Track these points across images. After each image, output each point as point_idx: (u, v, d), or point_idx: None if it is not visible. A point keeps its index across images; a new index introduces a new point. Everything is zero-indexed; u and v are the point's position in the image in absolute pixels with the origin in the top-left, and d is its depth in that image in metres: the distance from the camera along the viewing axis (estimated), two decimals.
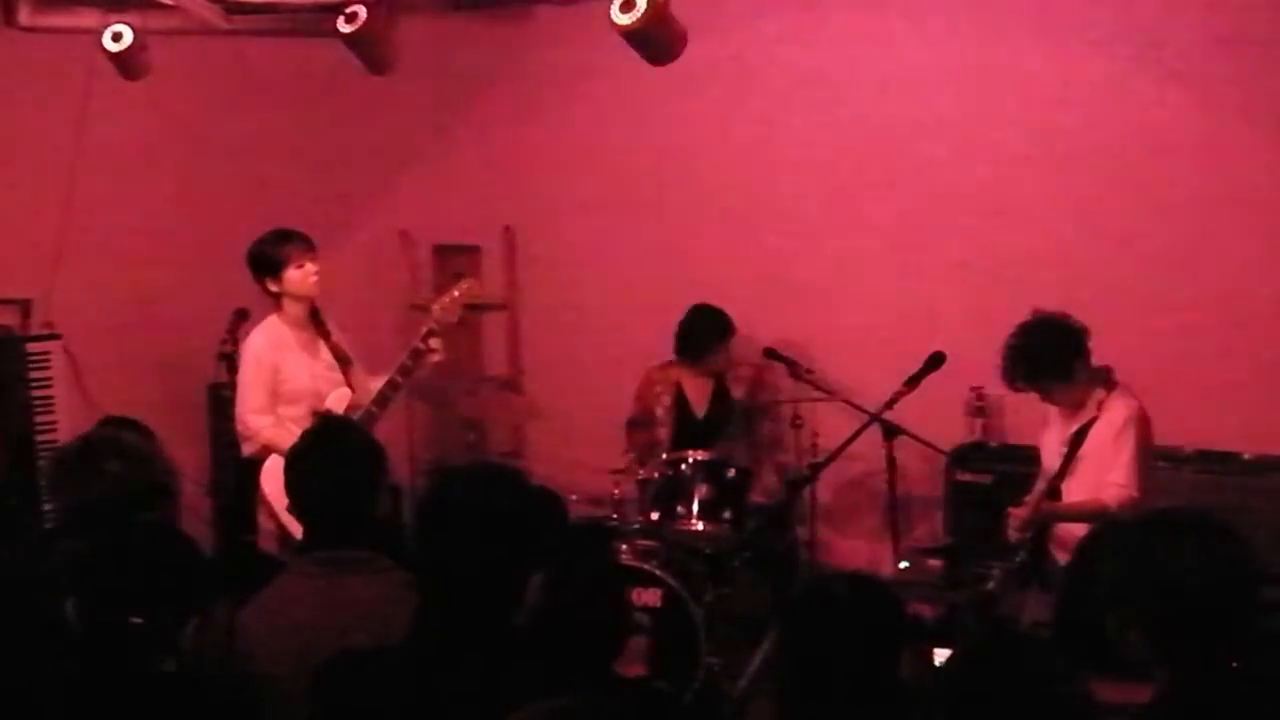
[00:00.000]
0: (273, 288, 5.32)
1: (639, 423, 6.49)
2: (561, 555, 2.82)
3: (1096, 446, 4.87)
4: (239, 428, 5.31)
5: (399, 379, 5.28)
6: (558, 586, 2.78)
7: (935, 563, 5.64)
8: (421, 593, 2.73)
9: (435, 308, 5.44)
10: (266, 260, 5.31)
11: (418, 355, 5.30)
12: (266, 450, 5.22)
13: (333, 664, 2.67)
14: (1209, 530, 2.55)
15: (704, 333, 6.33)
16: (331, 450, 3.33)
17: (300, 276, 5.30)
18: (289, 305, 5.34)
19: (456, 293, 5.47)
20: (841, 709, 2.72)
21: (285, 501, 5.15)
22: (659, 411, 6.42)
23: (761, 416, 6.53)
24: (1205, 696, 2.47)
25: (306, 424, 5.19)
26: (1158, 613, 2.51)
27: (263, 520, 5.18)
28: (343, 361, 5.40)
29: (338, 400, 5.30)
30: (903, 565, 5.66)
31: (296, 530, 5.10)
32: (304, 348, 5.37)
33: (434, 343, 5.31)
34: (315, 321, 5.42)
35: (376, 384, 5.33)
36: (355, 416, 5.14)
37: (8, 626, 2.91)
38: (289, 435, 5.19)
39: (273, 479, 5.20)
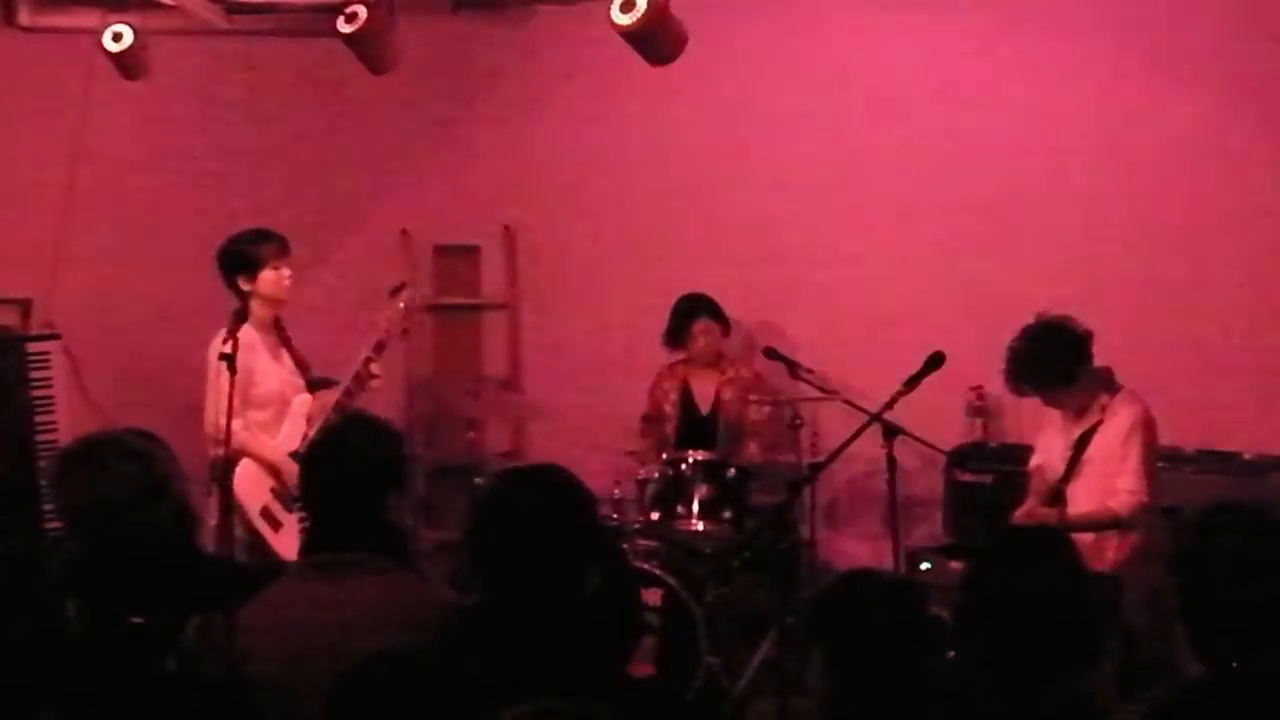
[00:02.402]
0: (244, 287, 5.22)
1: (651, 419, 6.55)
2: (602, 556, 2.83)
3: (1102, 451, 4.87)
4: (209, 431, 5.13)
5: (345, 401, 5.17)
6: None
7: (956, 564, 5.60)
8: (479, 592, 2.74)
9: (382, 320, 5.34)
10: (243, 259, 5.23)
11: (360, 380, 5.21)
12: (239, 454, 5.13)
13: (367, 666, 2.65)
14: (1257, 525, 2.56)
15: (678, 314, 6.38)
16: (356, 448, 3.30)
17: (276, 278, 5.24)
18: (258, 308, 5.24)
19: (401, 304, 5.39)
20: (876, 706, 2.74)
21: (259, 506, 5.17)
22: (666, 408, 6.48)
23: (751, 427, 6.48)
24: (1240, 691, 2.48)
25: (275, 428, 5.22)
26: (1198, 604, 2.51)
27: (236, 531, 5.09)
28: (303, 367, 5.37)
29: (301, 406, 5.27)
30: (924, 566, 5.63)
31: (270, 536, 5.11)
32: (270, 352, 5.32)
33: (375, 368, 5.24)
34: (277, 326, 5.36)
35: (327, 396, 5.27)
36: (322, 423, 5.03)
37: (8, 626, 2.91)
38: (260, 440, 5.19)
39: (245, 484, 5.15)
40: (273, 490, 5.18)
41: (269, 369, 5.28)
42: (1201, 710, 2.52)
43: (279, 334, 5.37)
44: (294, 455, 5.08)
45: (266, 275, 5.23)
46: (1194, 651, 2.56)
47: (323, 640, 2.94)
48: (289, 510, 5.12)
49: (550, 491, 2.79)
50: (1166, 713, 2.55)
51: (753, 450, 6.33)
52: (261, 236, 5.29)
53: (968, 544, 5.80)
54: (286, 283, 5.28)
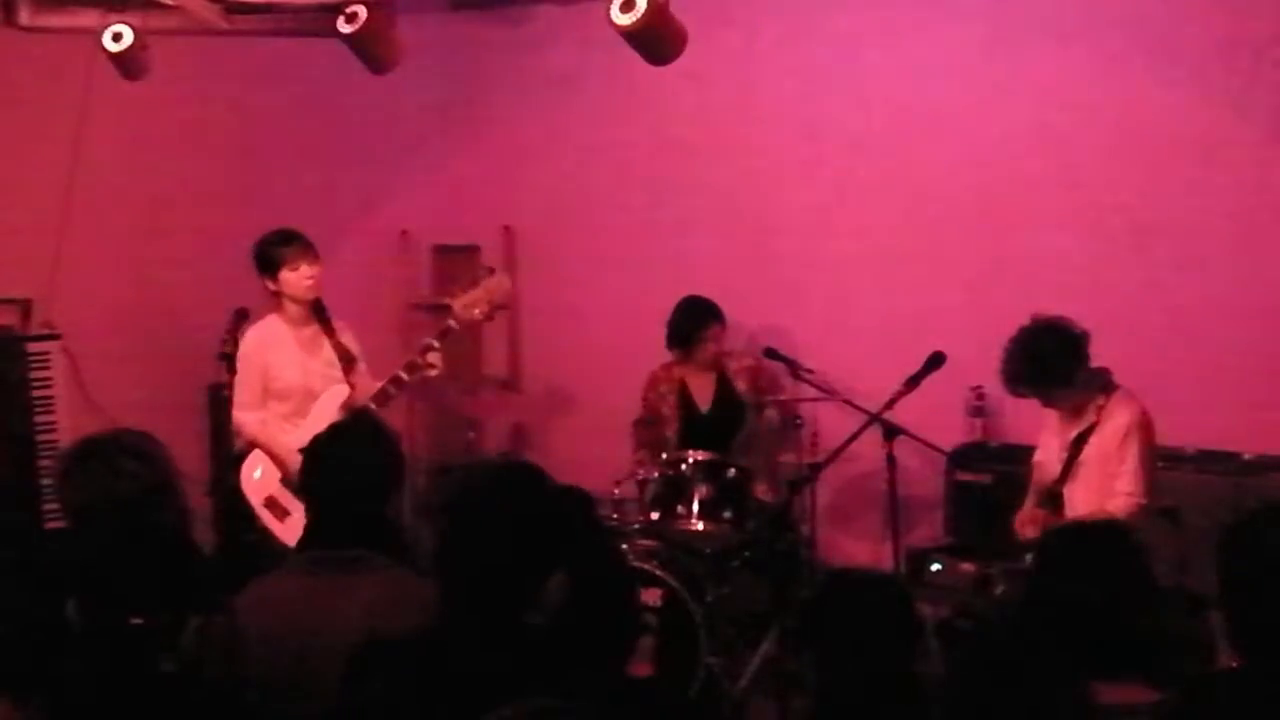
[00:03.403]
0: (271, 286, 5.42)
1: (646, 422, 6.51)
2: (584, 554, 2.80)
3: (1099, 452, 4.86)
4: (233, 423, 5.45)
5: (391, 390, 5.32)
6: (574, 585, 2.77)
7: (967, 566, 5.59)
8: (440, 590, 2.72)
9: (457, 305, 5.44)
10: (266, 259, 5.41)
11: (413, 369, 5.33)
12: (251, 446, 5.34)
13: (363, 652, 2.65)
14: None
15: (688, 320, 6.37)
16: (356, 446, 3.30)
17: (295, 279, 5.38)
18: (287, 304, 5.42)
19: (484, 290, 5.46)
20: (869, 704, 2.74)
21: (262, 497, 5.28)
22: (665, 410, 6.44)
23: (765, 410, 6.54)
24: (1263, 686, 2.51)
25: (297, 420, 5.32)
26: (1241, 592, 2.57)
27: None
28: (345, 360, 5.43)
29: (333, 397, 5.35)
30: (934, 568, 5.62)
31: (275, 526, 5.24)
32: (303, 345, 5.43)
33: (432, 358, 5.32)
34: (320, 319, 5.45)
35: (377, 385, 5.37)
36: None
37: (7, 626, 2.91)
38: (276, 431, 5.35)
39: (249, 476, 5.34)
40: (282, 480, 5.30)
41: (290, 362, 5.39)
42: (1220, 705, 2.54)
43: (322, 325, 5.47)
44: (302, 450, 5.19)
45: (285, 275, 5.38)
46: (1231, 645, 2.59)
47: (322, 638, 2.94)
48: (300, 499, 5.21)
49: (493, 494, 2.72)
50: (1184, 707, 2.57)
51: (771, 416, 6.41)
52: (282, 239, 5.42)
53: (968, 544, 5.81)
54: (308, 282, 5.40)
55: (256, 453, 5.33)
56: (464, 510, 2.72)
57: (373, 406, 5.24)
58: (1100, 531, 3.23)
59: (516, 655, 2.56)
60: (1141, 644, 2.77)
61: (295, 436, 5.24)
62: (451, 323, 5.42)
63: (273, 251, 5.38)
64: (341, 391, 5.36)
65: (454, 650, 2.58)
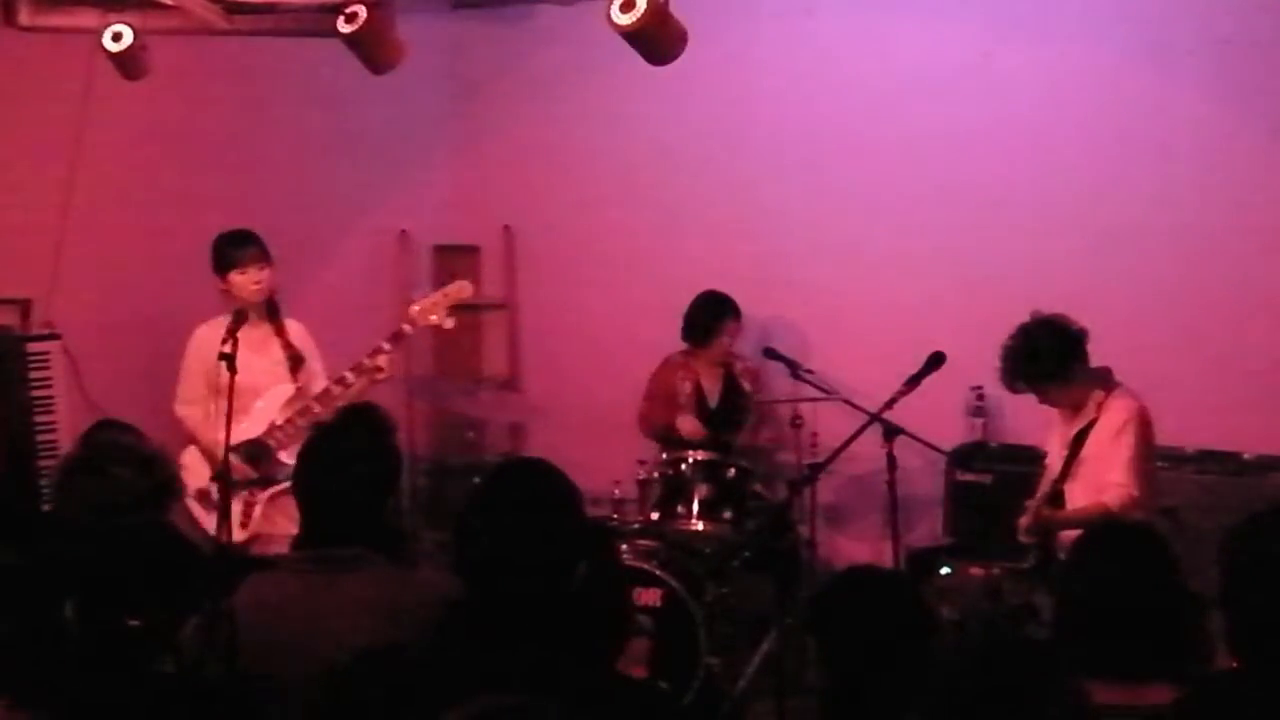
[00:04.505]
0: (220, 286, 5.42)
1: (657, 402, 6.47)
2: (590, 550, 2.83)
3: (1097, 449, 4.86)
4: (176, 413, 5.47)
5: (335, 390, 5.26)
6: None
7: (976, 570, 5.56)
8: (469, 590, 2.74)
9: (414, 309, 5.42)
10: (216, 259, 5.41)
11: (360, 370, 5.28)
12: (188, 440, 5.35)
13: (360, 663, 2.65)
14: None
15: (706, 313, 6.37)
16: (353, 444, 3.29)
17: (243, 281, 5.37)
18: (239, 304, 5.36)
19: (442, 295, 5.45)
20: (875, 702, 2.74)
21: (196, 488, 5.24)
22: (681, 400, 6.44)
23: (767, 410, 6.56)
24: (1265, 688, 2.51)
25: (241, 418, 5.23)
26: (1242, 593, 2.58)
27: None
28: (294, 360, 5.43)
29: (275, 397, 5.37)
30: (944, 571, 5.61)
31: (201, 516, 5.25)
32: (250, 345, 5.34)
33: (380, 360, 5.29)
34: (272, 319, 5.45)
35: (314, 386, 5.39)
36: (293, 412, 5.25)
37: (6, 626, 2.91)
38: (203, 429, 5.35)
39: (187, 469, 5.31)
40: (213, 476, 5.28)
41: (242, 361, 5.33)
42: (1223, 706, 2.54)
43: (273, 325, 5.46)
44: (235, 447, 5.15)
45: (234, 278, 5.38)
46: (1230, 646, 2.59)
47: (319, 637, 2.94)
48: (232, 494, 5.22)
49: (534, 486, 2.79)
50: (1187, 707, 2.57)
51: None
52: (235, 240, 5.42)
53: (968, 544, 5.81)
54: (254, 286, 5.38)
55: (191, 448, 5.36)
56: (498, 508, 2.74)
57: (316, 408, 5.20)
58: (1133, 534, 3.23)
59: (538, 647, 2.57)
60: (1173, 646, 2.77)
61: (235, 433, 5.24)
62: (405, 326, 5.39)
63: (225, 252, 5.39)
64: (285, 391, 5.37)
65: (480, 653, 2.59)
